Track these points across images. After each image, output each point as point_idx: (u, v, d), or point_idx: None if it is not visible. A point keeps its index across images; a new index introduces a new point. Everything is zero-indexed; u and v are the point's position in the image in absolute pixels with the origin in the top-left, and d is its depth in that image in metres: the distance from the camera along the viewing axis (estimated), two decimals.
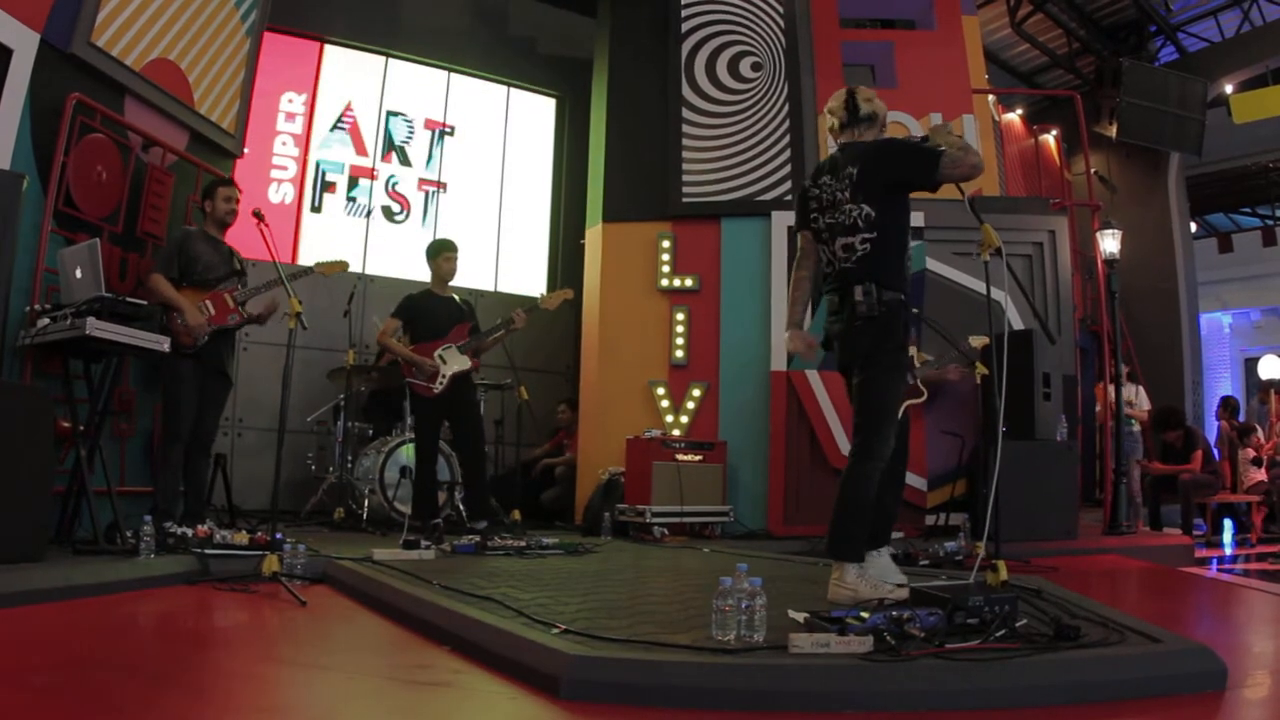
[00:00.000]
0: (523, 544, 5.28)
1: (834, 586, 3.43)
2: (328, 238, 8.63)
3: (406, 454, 6.87)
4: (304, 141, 8.72)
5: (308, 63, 8.84)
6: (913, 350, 6.40)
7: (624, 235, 8.04)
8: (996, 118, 10.99)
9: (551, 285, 10.01)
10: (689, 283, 7.78)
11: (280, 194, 8.57)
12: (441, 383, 6.14)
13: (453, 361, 6.19)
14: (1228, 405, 10.23)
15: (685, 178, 7.89)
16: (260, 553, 4.13)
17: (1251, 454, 9.29)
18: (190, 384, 5.19)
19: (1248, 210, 18.90)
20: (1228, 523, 9.87)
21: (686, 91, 8.06)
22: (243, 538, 4.48)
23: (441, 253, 6.43)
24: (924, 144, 3.61)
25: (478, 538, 5.40)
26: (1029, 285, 7.57)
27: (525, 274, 9.80)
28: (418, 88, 9.46)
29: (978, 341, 6.53)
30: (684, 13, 8.22)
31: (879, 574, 3.60)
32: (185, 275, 5.20)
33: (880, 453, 3.52)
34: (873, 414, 3.56)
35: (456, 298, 6.50)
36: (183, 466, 5.14)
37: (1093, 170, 12.81)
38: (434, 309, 6.34)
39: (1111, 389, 8.24)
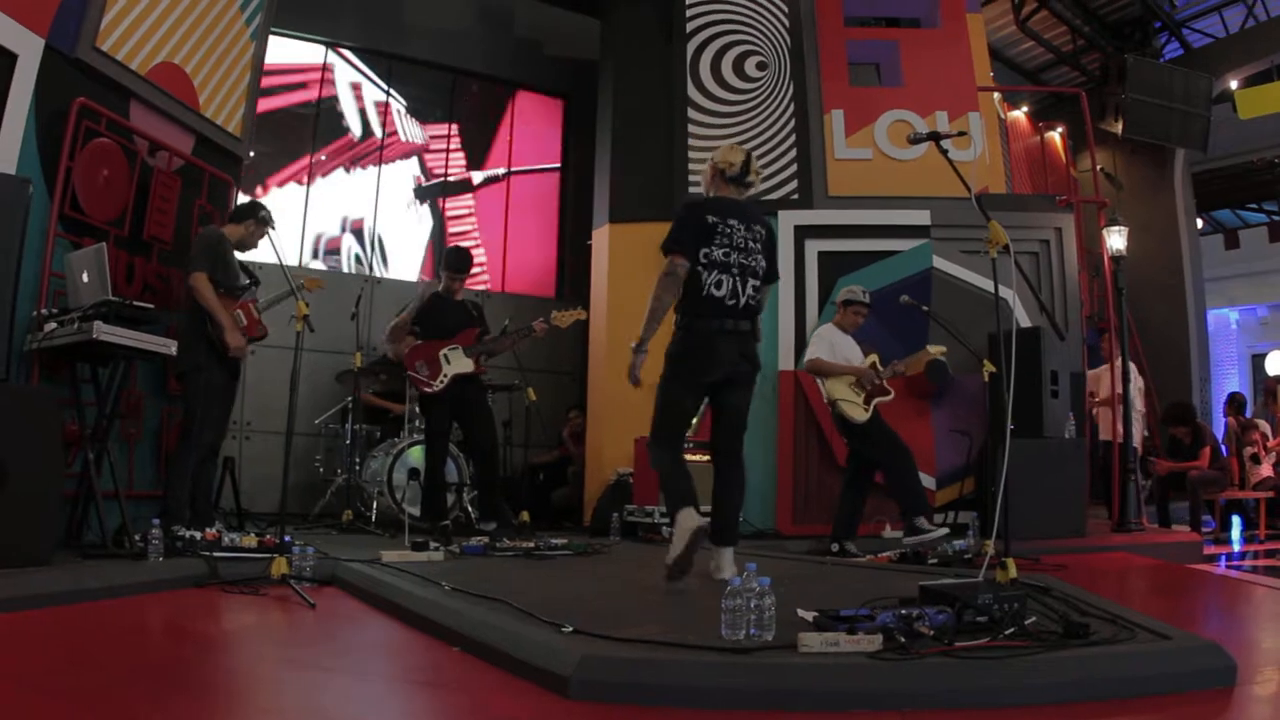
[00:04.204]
0: (531, 545, 5.28)
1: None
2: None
3: (414, 456, 6.88)
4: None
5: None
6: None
7: (631, 235, 8.03)
8: (1002, 115, 10.95)
9: (560, 286, 10.02)
10: None
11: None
12: (443, 381, 6.15)
13: (456, 363, 6.20)
14: (1235, 401, 10.17)
15: (692, 178, 7.88)
16: (269, 555, 4.13)
17: (1250, 451, 9.22)
18: (221, 394, 5.24)
19: (1254, 206, 18.81)
20: (1236, 519, 9.81)
21: (692, 91, 8.06)
22: (251, 540, 4.50)
23: (446, 271, 6.51)
24: None
25: (486, 539, 5.41)
26: (1036, 283, 7.55)
27: (533, 275, 9.82)
28: (423, 89, 9.51)
29: (935, 350, 6.38)
30: (689, 12, 8.22)
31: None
32: (219, 280, 5.22)
33: None
34: (743, 431, 4.15)
35: (467, 302, 6.56)
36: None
37: (1099, 167, 12.79)
38: (443, 310, 6.38)
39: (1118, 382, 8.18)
